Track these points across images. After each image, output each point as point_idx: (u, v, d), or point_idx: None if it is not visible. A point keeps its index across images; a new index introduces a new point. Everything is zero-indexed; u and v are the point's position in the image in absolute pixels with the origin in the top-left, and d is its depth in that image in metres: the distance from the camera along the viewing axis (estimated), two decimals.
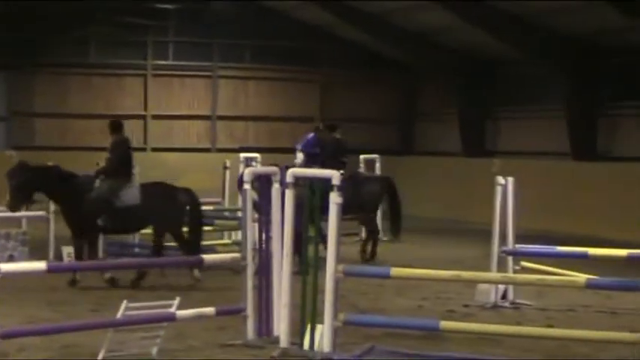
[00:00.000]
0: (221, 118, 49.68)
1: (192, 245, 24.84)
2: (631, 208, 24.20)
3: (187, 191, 26.59)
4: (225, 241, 28.32)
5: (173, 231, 25.63)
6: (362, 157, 36.38)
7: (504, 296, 21.62)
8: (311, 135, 32.08)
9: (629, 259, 18.52)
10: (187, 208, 25.71)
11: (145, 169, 35.08)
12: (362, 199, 29.50)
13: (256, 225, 17.74)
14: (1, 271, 15.74)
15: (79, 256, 24.14)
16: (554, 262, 23.32)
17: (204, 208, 32.73)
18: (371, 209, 30.18)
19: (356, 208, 28.34)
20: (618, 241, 21.62)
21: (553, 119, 40.48)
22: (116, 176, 25.49)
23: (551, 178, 34.61)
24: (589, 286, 18.34)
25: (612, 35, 39.02)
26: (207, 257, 21.15)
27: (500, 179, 21.96)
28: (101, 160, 25.18)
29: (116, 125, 26.58)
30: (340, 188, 16.44)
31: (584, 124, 39.84)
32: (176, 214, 25.53)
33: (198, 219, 26.17)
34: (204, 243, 28.97)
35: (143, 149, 47.22)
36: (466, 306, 21.29)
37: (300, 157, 30.59)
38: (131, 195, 25.17)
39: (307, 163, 27.34)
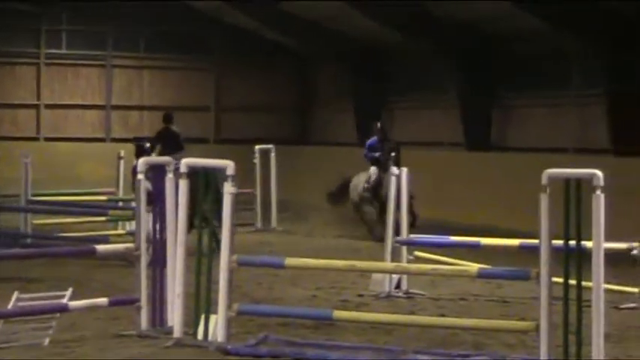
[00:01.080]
0: (115, 107, 49.69)
1: None
2: (524, 197, 24.40)
3: None
4: (120, 231, 28.28)
5: None
6: (257, 147, 36.17)
7: (398, 286, 21.80)
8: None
9: (522, 248, 18.74)
10: None
11: (38, 158, 35.04)
12: None
13: (150, 215, 17.80)
14: None
15: None
16: (447, 252, 23.50)
17: (98, 197, 33.07)
18: None
19: None
20: (512, 231, 21.83)
21: (447, 109, 40.61)
22: None
23: (445, 169, 34.62)
24: (480, 275, 18.66)
25: (505, 25, 38.67)
26: (100, 247, 21.24)
27: (394, 169, 22.21)
28: None
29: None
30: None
31: (478, 115, 40.54)
32: None
33: None
34: (98, 233, 29.08)
35: (36, 139, 47.21)
36: (360, 295, 21.43)
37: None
38: None
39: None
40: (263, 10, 46.60)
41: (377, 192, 30.71)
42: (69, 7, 48.88)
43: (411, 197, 29.33)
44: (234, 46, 50.06)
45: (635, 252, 20.47)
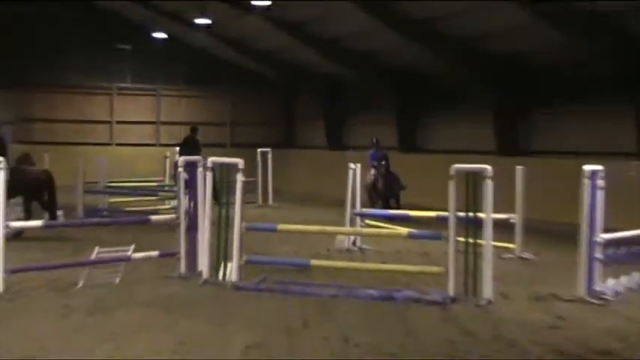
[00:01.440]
0: (162, 123, 49.37)
1: (51, 206, 24.10)
2: (441, 186, 24.25)
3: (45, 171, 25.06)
4: (166, 206, 28.25)
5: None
6: (259, 150, 36.12)
7: (354, 243, 21.89)
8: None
9: (438, 218, 18.75)
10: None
11: (110, 158, 35.02)
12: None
13: (187, 196, 17.87)
14: (9, 226, 15.87)
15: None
16: (387, 221, 23.78)
17: (151, 184, 33.10)
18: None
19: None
20: (434, 208, 21.77)
21: (387, 123, 40.13)
22: None
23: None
24: (409, 236, 18.65)
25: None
26: (153, 217, 21.38)
27: (352, 165, 22.26)
28: None
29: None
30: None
31: (410, 127, 40.32)
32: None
33: (51, 189, 24.27)
34: (151, 208, 29.13)
35: (109, 144, 47.09)
36: (328, 250, 21.34)
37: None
38: None
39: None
40: (262, 59, 46.61)
41: (375, 186, 30.68)
42: (131, 59, 48.78)
43: (401, 188, 30.62)
44: (243, 82, 49.76)
45: (512, 220, 20.59)
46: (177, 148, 31.24)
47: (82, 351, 11.55)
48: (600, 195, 15.84)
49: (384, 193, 31.14)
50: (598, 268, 15.76)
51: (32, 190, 24.13)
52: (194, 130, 34.16)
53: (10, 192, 22.94)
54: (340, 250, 21.45)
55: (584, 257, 15.70)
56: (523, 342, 12.52)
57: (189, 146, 31.61)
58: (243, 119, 50.33)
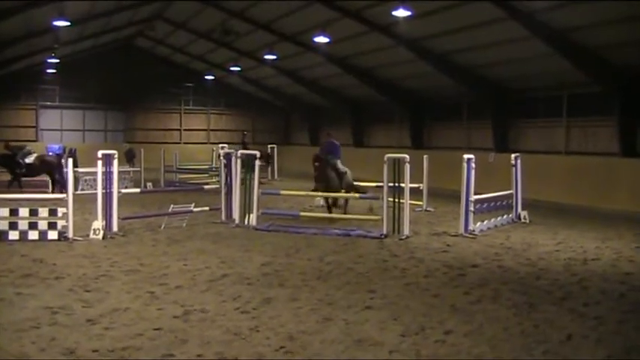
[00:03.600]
0: (211, 130, 49.20)
1: (61, 182, 22.68)
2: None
3: (58, 157, 24.56)
4: (214, 180, 27.99)
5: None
6: (269, 145, 35.79)
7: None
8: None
9: (377, 187, 18.65)
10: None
11: (180, 151, 34.97)
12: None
13: (225, 174, 17.89)
14: (121, 192, 15.96)
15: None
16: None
17: (204, 166, 32.92)
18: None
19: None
20: (375, 180, 21.63)
21: (344, 128, 39.96)
22: None
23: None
24: (360, 197, 18.70)
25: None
26: (206, 187, 21.41)
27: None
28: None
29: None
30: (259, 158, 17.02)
31: (361, 133, 39.87)
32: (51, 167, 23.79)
33: (60, 169, 23.23)
34: (204, 181, 28.92)
35: (179, 143, 47.00)
36: (310, 206, 21.19)
37: None
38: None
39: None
40: (271, 92, 46.37)
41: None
42: (192, 92, 48.60)
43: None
44: (259, 105, 49.49)
45: (421, 188, 20.68)
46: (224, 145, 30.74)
47: (164, 265, 11.78)
48: (472, 172, 16.06)
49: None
50: (471, 216, 16.00)
51: (48, 170, 23.87)
52: (244, 137, 35.64)
53: (37, 171, 23.41)
54: (318, 206, 21.36)
55: (463, 210, 15.92)
56: (427, 260, 12.75)
57: (242, 144, 32.82)
58: (260, 128, 50.21)
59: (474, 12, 22.48)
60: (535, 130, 27.40)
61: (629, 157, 22.19)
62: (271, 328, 7.99)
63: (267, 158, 32.16)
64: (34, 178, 24.51)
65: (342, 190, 19.03)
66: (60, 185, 22.87)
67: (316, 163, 18.88)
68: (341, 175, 19.10)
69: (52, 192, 22.08)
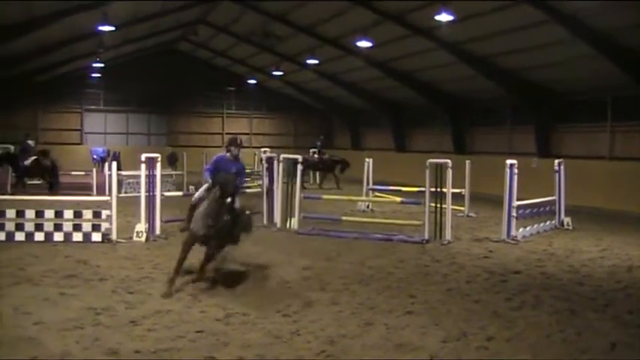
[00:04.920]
0: (253, 134, 49.38)
1: (54, 184, 23.71)
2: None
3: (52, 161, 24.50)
4: (255, 183, 27.94)
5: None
6: (311, 150, 35.30)
7: (368, 207, 21.78)
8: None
9: (418, 192, 18.61)
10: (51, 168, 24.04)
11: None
12: None
13: (267, 177, 17.92)
14: (164, 195, 16.10)
15: None
16: (388, 193, 23.34)
17: (247, 170, 32.87)
18: None
19: None
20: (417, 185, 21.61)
21: (385, 132, 39.90)
22: None
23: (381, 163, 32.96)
24: (402, 202, 18.77)
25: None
26: (248, 190, 21.43)
27: (366, 159, 22.18)
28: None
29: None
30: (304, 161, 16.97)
31: (402, 137, 39.72)
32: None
33: (54, 172, 23.97)
34: (247, 185, 28.94)
35: (221, 147, 46.99)
36: (352, 210, 21.10)
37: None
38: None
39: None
40: (311, 95, 46.42)
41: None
42: (234, 96, 48.82)
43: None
44: (300, 109, 49.56)
45: (463, 193, 20.57)
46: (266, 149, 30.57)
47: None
48: (515, 178, 15.94)
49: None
50: (513, 222, 15.88)
51: (43, 172, 24.11)
52: (321, 140, 34.37)
53: (32, 173, 24.34)
54: (359, 210, 21.36)
55: (506, 215, 15.81)
56: (468, 265, 12.68)
57: (318, 148, 32.36)
58: (300, 131, 50.27)
59: (516, 15, 22.33)
60: (578, 134, 27.07)
61: None
62: (312, 332, 8.01)
63: (345, 164, 31.94)
64: (77, 181, 25.04)
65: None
66: (53, 188, 23.64)
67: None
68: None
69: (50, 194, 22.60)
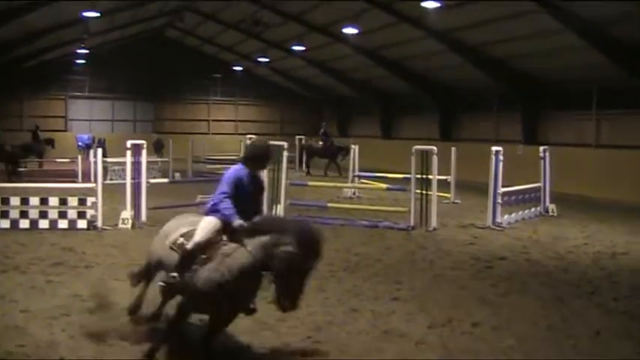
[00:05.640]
0: (239, 121, 49.16)
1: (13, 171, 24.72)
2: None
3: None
4: None
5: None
6: (297, 137, 35.33)
7: (354, 194, 21.81)
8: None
9: (404, 179, 18.65)
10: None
11: (208, 142, 35.00)
12: None
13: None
14: (149, 182, 16.07)
15: None
16: (374, 180, 23.29)
17: (233, 157, 32.75)
18: None
19: None
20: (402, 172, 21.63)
21: (374, 123, 40.49)
22: None
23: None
24: (387, 189, 18.82)
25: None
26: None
27: (352, 146, 22.23)
28: None
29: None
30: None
31: (390, 125, 39.83)
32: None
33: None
34: None
35: (207, 133, 46.97)
36: (338, 197, 21.10)
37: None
38: None
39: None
40: (299, 83, 46.40)
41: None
42: (221, 83, 48.59)
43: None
44: (287, 96, 49.29)
45: (448, 180, 20.61)
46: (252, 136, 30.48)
47: None
48: (500, 165, 16.01)
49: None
50: (499, 209, 15.96)
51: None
52: (325, 126, 34.54)
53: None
54: (345, 197, 21.40)
55: (491, 202, 15.89)
56: (454, 252, 12.74)
57: (322, 136, 32.52)
58: (287, 119, 50.09)
59: (505, 4, 22.33)
60: (565, 122, 27.17)
61: None
62: (298, 318, 7.99)
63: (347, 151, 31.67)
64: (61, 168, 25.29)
65: None
66: (11, 174, 24.47)
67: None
68: None
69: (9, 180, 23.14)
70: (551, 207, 18.42)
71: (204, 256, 6.46)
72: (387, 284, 10.00)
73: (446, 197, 20.35)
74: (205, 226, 6.70)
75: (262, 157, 7.12)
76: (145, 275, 7.67)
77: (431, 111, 35.19)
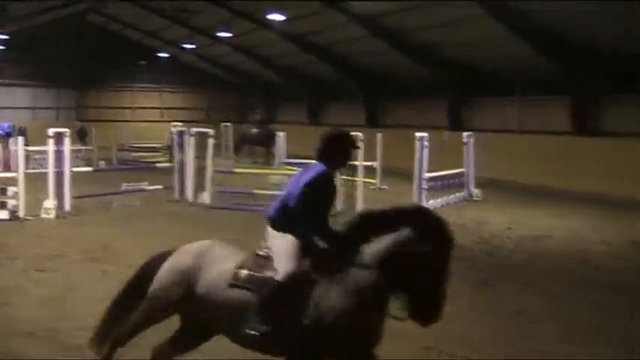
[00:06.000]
0: (164, 109, 48.58)
1: None
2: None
3: None
4: (165, 158, 27.41)
5: None
6: (222, 124, 35.12)
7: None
8: None
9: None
10: None
11: (134, 130, 34.53)
12: None
13: (180, 151, 17.77)
14: (73, 170, 15.81)
15: None
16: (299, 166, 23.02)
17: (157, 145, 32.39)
18: None
19: None
20: None
21: (301, 109, 40.30)
22: None
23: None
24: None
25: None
26: (158, 165, 21.00)
27: (279, 133, 22.17)
28: None
29: None
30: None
31: (317, 111, 40.28)
32: None
33: None
34: (157, 160, 28.45)
35: (131, 121, 46.16)
36: (266, 184, 21.05)
37: None
38: None
39: None
40: (225, 69, 46.13)
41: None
42: (146, 69, 47.92)
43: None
44: (214, 82, 48.89)
45: (374, 166, 20.77)
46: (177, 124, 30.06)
47: (123, 242, 11.73)
48: (425, 150, 16.25)
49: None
50: (424, 194, 16.21)
51: None
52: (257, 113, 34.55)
53: None
54: (274, 184, 21.26)
55: (417, 187, 16.13)
56: None
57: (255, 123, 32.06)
58: (214, 106, 49.66)
59: None
60: (490, 109, 27.67)
61: (582, 136, 22.53)
62: None
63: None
64: None
65: None
66: None
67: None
68: None
69: None
70: (476, 192, 18.78)
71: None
72: None
73: (372, 183, 20.53)
74: (288, 248, 5.24)
75: (346, 150, 5.29)
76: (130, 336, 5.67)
77: (357, 97, 35.38)
